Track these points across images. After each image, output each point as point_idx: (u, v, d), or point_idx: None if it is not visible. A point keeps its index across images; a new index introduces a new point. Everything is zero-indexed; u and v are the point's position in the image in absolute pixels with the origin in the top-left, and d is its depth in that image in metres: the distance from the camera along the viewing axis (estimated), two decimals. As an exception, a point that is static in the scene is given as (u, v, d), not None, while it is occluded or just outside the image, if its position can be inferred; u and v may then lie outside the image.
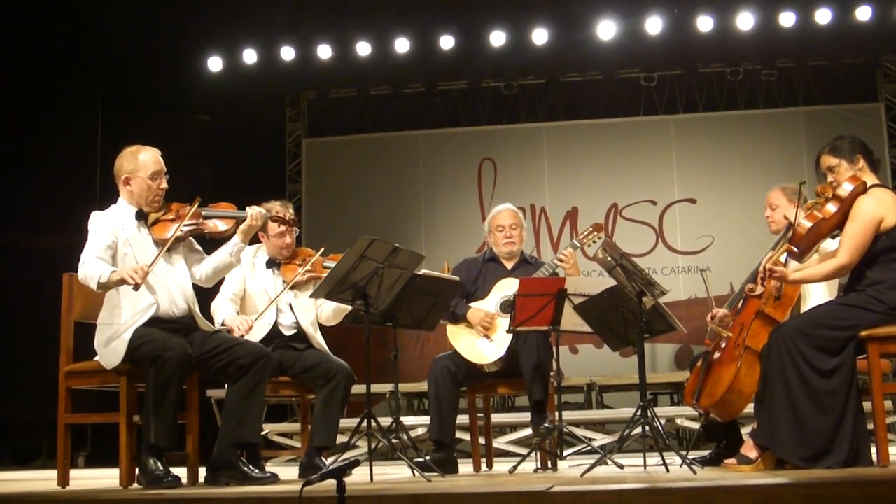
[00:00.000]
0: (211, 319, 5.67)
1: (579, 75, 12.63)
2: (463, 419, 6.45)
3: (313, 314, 6.06)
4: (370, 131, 13.01)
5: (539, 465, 6.03)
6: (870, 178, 5.09)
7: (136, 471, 5.02)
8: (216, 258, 5.40)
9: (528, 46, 11.71)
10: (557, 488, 3.75)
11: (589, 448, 7.48)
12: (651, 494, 3.63)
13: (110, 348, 5.06)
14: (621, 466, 5.39)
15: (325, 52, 11.91)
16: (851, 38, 11.51)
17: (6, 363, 10.46)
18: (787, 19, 11.28)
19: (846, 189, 5.00)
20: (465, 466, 6.46)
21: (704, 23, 11.34)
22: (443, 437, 6.05)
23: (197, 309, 5.35)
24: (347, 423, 7.19)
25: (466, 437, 7.63)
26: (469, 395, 6.42)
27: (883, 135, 11.96)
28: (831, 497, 3.52)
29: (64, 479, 5.24)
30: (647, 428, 5.26)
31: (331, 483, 3.49)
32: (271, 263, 6.07)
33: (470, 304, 6.32)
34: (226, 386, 5.22)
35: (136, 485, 5.02)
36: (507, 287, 6.26)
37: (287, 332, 5.96)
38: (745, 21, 11.28)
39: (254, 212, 5.37)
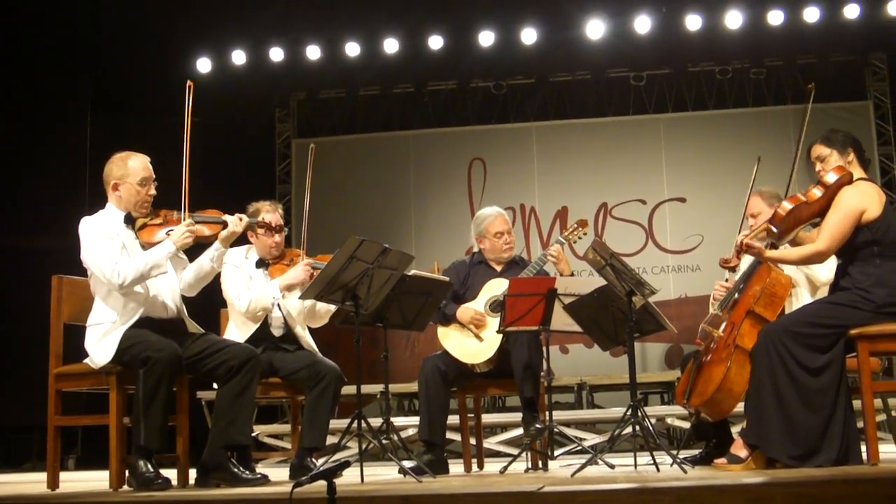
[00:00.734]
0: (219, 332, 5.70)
1: (568, 75, 12.65)
2: (453, 419, 6.45)
3: (303, 314, 6.06)
4: (360, 132, 13.03)
5: (530, 466, 6.03)
6: (858, 173, 5.12)
7: (127, 473, 5.02)
8: (197, 266, 5.38)
9: (517, 46, 11.72)
10: (548, 488, 3.75)
11: (579, 448, 7.46)
12: (641, 494, 3.63)
13: (101, 345, 5.07)
14: (612, 466, 5.39)
15: (314, 52, 11.91)
16: (840, 37, 11.55)
17: (-5, 366, 10.44)
18: (775, 17, 11.31)
19: (832, 178, 5.03)
20: (456, 467, 6.46)
21: (693, 21, 11.37)
22: (433, 437, 6.04)
23: (185, 312, 5.36)
24: (338, 423, 7.19)
25: (457, 437, 7.63)
26: (459, 395, 6.42)
27: (871, 133, 12.00)
28: (821, 496, 3.53)
29: (54, 482, 5.23)
30: (637, 427, 5.27)
31: (321, 484, 3.49)
32: (261, 263, 6.06)
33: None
34: (215, 387, 5.22)
35: (126, 487, 5.01)
36: (495, 287, 6.26)
37: (277, 333, 5.96)
38: (734, 20, 11.31)
39: (233, 218, 5.38)
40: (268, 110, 13.13)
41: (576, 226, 6.56)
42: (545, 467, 6.05)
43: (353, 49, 11.83)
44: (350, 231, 5.67)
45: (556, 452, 7.67)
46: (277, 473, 6.11)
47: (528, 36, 11.59)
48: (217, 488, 4.97)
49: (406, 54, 11.89)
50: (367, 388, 7.85)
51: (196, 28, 11.35)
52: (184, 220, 5.25)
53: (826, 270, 5.57)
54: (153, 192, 5.30)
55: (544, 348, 5.88)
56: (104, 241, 5.13)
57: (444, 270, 6.72)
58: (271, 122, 13.18)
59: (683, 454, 5.70)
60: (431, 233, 12.56)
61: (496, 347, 6.07)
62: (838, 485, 3.68)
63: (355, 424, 5.22)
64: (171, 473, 5.10)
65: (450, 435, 6.77)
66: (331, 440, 6.06)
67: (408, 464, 5.36)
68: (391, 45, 11.78)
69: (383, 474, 6.28)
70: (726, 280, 5.91)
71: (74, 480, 6.79)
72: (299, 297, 5.67)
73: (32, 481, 6.87)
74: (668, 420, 9.34)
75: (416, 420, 7.73)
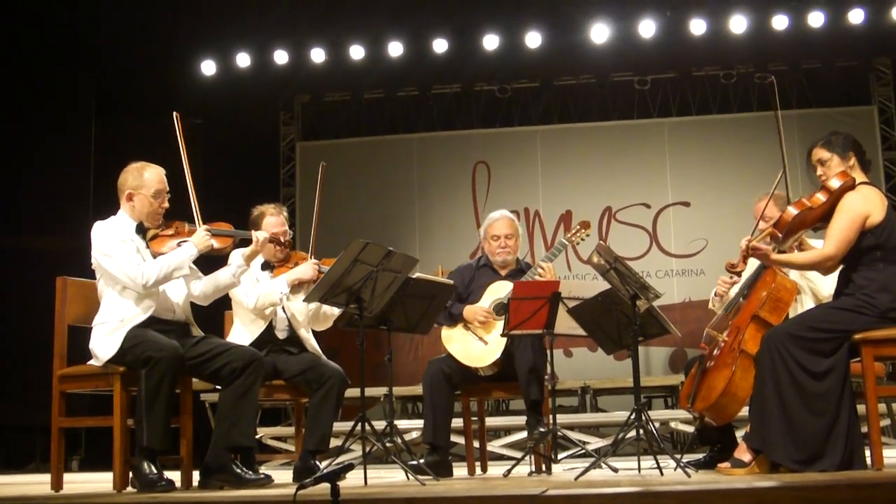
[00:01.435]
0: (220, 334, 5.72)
1: (573, 78, 12.65)
2: (457, 422, 6.45)
3: (307, 317, 6.06)
4: (364, 135, 13.04)
5: (533, 469, 6.03)
6: (859, 176, 5.12)
7: (130, 474, 5.02)
8: (218, 278, 5.47)
9: (521, 50, 11.72)
10: (552, 492, 3.75)
11: (583, 451, 7.46)
12: (645, 498, 3.63)
13: (106, 342, 5.08)
14: (616, 470, 5.38)
15: (318, 55, 11.92)
16: (844, 41, 11.56)
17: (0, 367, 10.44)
18: (779, 22, 11.32)
19: (835, 183, 5.04)
20: (460, 470, 6.45)
21: (697, 26, 11.37)
22: (437, 440, 6.04)
23: (192, 318, 5.42)
24: (341, 426, 7.19)
25: (461, 440, 7.63)
26: (463, 398, 6.42)
27: (876, 138, 11.99)
28: (825, 500, 3.52)
29: (58, 483, 5.23)
30: (641, 431, 5.26)
31: (325, 487, 3.49)
32: (266, 266, 6.06)
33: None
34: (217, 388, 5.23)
35: (130, 488, 5.01)
36: (499, 290, 6.26)
37: (281, 336, 5.95)
38: (738, 24, 11.31)
39: (259, 237, 5.49)
40: (272, 113, 13.13)
41: (578, 227, 6.57)
42: (549, 471, 6.05)
43: (357, 52, 11.85)
44: (354, 234, 5.67)
45: (560, 456, 7.68)
46: (281, 476, 6.10)
47: (533, 40, 11.59)
48: (220, 490, 4.98)
49: (410, 57, 11.89)
50: (370, 391, 7.84)
51: (200, 30, 11.37)
52: (199, 227, 5.31)
53: (829, 285, 5.55)
54: (166, 204, 5.35)
55: (548, 351, 5.88)
56: (121, 243, 5.16)
57: (449, 274, 6.72)
58: (275, 124, 13.18)
59: (687, 458, 5.70)
60: (435, 236, 12.56)
61: (500, 351, 6.07)
62: (842, 489, 3.67)
63: (359, 427, 5.22)
64: (174, 475, 5.10)
65: (453, 438, 6.76)
66: (334, 443, 6.06)
67: (412, 465, 5.36)
68: (395, 49, 11.78)
69: (387, 477, 6.28)
70: (730, 277, 5.90)
71: (78, 482, 6.80)
72: (304, 300, 5.68)
73: (36, 482, 6.88)
74: (672, 424, 9.33)
75: (419, 423, 7.74)
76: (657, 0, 11.27)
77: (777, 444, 4.82)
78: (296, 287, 5.94)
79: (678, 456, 5.31)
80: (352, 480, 5.07)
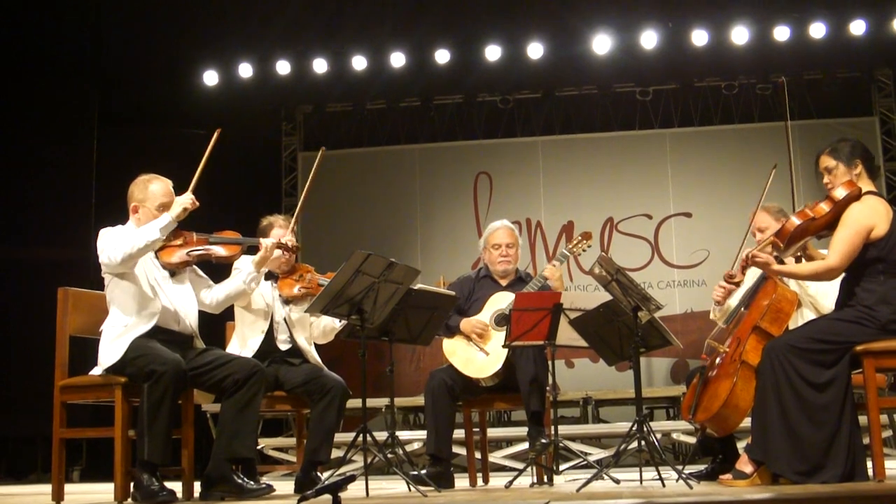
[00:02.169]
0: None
1: (575, 89, 12.66)
2: (459, 433, 6.45)
3: (308, 330, 6.06)
4: (366, 145, 13.04)
5: (535, 480, 6.02)
6: (866, 185, 5.10)
7: (131, 485, 5.02)
8: (230, 286, 5.50)
9: (523, 60, 11.74)
10: (554, 503, 3.74)
11: (585, 463, 7.46)
12: (647, 509, 3.63)
13: (111, 347, 5.09)
14: (617, 481, 5.38)
15: (321, 66, 11.94)
16: (846, 53, 11.58)
17: (1, 377, 10.44)
18: (781, 33, 11.34)
19: (840, 193, 5.03)
20: (462, 481, 6.45)
21: (699, 37, 11.40)
22: (439, 451, 6.03)
23: (197, 332, 5.42)
24: (343, 437, 7.19)
25: (462, 451, 7.62)
26: (465, 409, 6.42)
27: (878, 149, 12.00)
28: (827, 512, 3.52)
29: (59, 494, 5.22)
30: (643, 442, 5.26)
31: (326, 498, 3.49)
32: (270, 275, 6.06)
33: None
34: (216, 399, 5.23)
35: (130, 500, 5.01)
36: (500, 301, 6.26)
37: (283, 347, 5.95)
38: (740, 35, 11.33)
39: (267, 243, 5.51)
40: (274, 123, 13.15)
41: (580, 238, 6.57)
42: (550, 482, 6.04)
43: (359, 63, 11.86)
44: (356, 245, 5.67)
45: (562, 467, 7.68)
46: (282, 487, 6.09)
47: (535, 50, 11.61)
48: (222, 501, 4.98)
49: (412, 68, 11.91)
50: (372, 402, 7.84)
51: (203, 40, 11.40)
52: (207, 241, 5.33)
53: (829, 300, 5.54)
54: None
55: (550, 362, 5.88)
56: (119, 233, 5.16)
57: (449, 285, 6.72)
58: (278, 135, 13.19)
59: (689, 469, 5.69)
60: (437, 247, 12.56)
61: (502, 361, 6.07)
62: (844, 501, 3.68)
63: (360, 438, 5.22)
64: (176, 486, 5.10)
65: (455, 449, 6.76)
66: (336, 454, 6.06)
67: (413, 477, 5.35)
68: (398, 59, 11.80)
69: (388, 488, 6.27)
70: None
71: (79, 493, 6.80)
72: (305, 311, 5.68)
73: (37, 493, 6.88)
74: (674, 435, 9.31)
75: (421, 434, 7.75)
76: (659, 11, 11.29)
77: (779, 455, 4.82)
78: (297, 300, 5.94)
79: (680, 467, 5.30)
80: (353, 492, 5.07)
